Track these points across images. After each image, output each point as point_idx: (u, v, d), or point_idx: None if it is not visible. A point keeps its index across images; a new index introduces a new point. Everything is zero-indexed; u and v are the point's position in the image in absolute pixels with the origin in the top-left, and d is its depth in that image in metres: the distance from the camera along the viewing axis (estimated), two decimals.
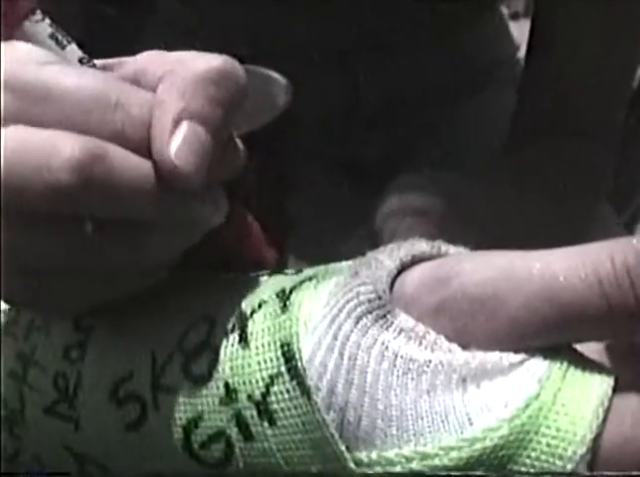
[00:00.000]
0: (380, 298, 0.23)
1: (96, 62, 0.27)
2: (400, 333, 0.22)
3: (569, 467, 0.20)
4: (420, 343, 0.22)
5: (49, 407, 0.28)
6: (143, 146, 0.24)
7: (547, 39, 0.52)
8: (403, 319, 0.22)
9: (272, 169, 0.41)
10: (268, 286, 0.26)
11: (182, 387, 0.25)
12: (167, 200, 0.25)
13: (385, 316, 0.22)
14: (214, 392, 0.25)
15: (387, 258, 0.24)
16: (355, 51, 0.58)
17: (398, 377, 0.22)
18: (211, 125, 0.25)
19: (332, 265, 0.26)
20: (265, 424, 0.23)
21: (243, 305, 0.25)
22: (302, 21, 0.55)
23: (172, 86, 0.25)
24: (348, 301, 0.23)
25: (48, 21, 0.26)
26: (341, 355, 0.22)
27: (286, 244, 0.39)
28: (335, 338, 0.22)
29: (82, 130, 0.23)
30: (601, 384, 0.21)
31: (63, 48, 0.26)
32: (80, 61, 0.27)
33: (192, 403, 0.25)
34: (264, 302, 0.25)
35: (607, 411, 0.21)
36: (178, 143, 0.24)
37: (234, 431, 0.24)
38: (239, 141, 0.28)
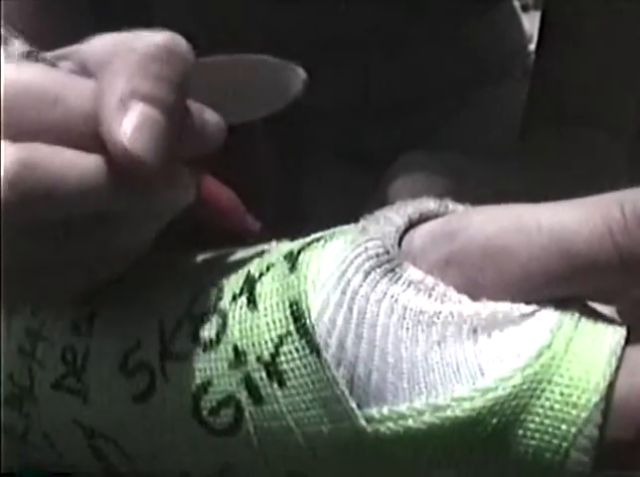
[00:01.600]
0: (388, 253, 0.23)
1: (49, 54, 0.27)
2: (409, 286, 0.22)
3: (584, 415, 0.20)
4: (430, 295, 0.22)
5: (57, 382, 0.28)
6: (89, 138, 0.23)
7: (557, 30, 0.53)
8: (412, 272, 0.22)
9: (286, 160, 0.41)
10: (276, 251, 0.26)
11: (191, 353, 0.25)
12: (124, 189, 0.24)
13: (393, 270, 0.22)
14: (222, 356, 0.24)
15: (395, 215, 0.24)
16: (366, 43, 0.58)
17: (407, 329, 0.22)
18: (161, 104, 0.24)
19: (339, 228, 0.25)
20: (275, 385, 0.23)
21: (252, 269, 0.25)
22: (313, 13, 0.55)
23: (116, 69, 0.24)
24: (356, 256, 0.23)
25: None
26: (350, 309, 0.22)
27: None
28: (344, 293, 0.22)
29: (24, 131, 0.23)
30: (613, 334, 0.21)
31: (7, 44, 0.26)
32: (27, 55, 0.26)
33: (201, 369, 0.25)
34: (272, 265, 0.25)
35: (620, 361, 0.21)
36: (129, 127, 0.23)
37: (243, 395, 0.24)
38: (215, 115, 0.27)
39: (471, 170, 0.47)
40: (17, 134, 0.23)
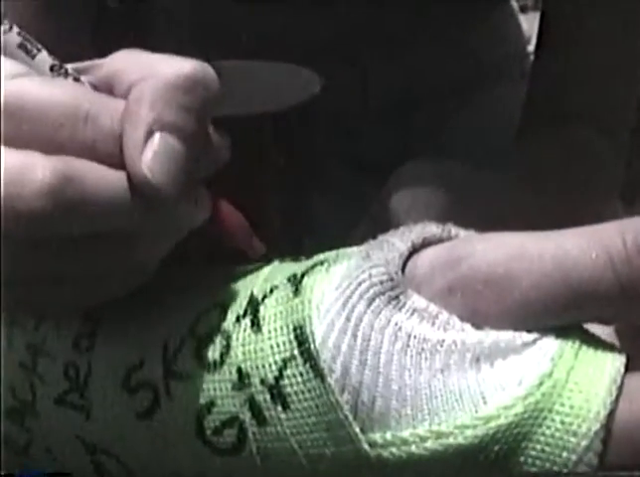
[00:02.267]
0: (392, 280, 0.23)
1: (70, 66, 0.27)
2: (412, 313, 0.22)
3: (584, 444, 0.20)
4: (433, 323, 0.22)
5: (60, 397, 0.28)
6: (116, 157, 0.24)
7: (556, 29, 0.53)
8: (416, 300, 0.23)
9: (290, 167, 0.41)
10: (279, 272, 0.26)
11: (194, 373, 0.25)
12: (145, 209, 0.24)
13: (397, 297, 0.23)
14: (226, 377, 0.25)
15: (398, 241, 0.24)
16: (364, 46, 0.58)
17: (411, 357, 0.22)
18: (183, 134, 0.24)
19: (343, 250, 0.26)
20: (279, 408, 0.23)
21: (255, 291, 0.26)
22: (313, 16, 0.55)
23: (142, 96, 0.24)
24: (360, 283, 0.23)
25: (16, 30, 0.25)
26: (354, 336, 0.22)
27: (304, 243, 0.39)
28: (348, 320, 0.23)
29: (55, 146, 0.23)
30: (613, 362, 0.21)
31: (33, 57, 0.26)
32: (52, 68, 0.26)
33: (204, 390, 0.25)
34: (276, 287, 0.25)
35: (620, 389, 0.21)
36: (150, 156, 0.24)
37: (247, 416, 0.24)
38: (219, 134, 0.28)
39: (472, 182, 0.47)
40: (47, 148, 0.23)
